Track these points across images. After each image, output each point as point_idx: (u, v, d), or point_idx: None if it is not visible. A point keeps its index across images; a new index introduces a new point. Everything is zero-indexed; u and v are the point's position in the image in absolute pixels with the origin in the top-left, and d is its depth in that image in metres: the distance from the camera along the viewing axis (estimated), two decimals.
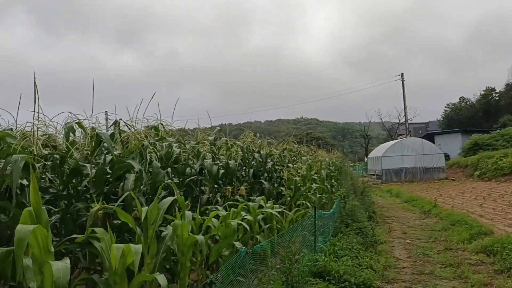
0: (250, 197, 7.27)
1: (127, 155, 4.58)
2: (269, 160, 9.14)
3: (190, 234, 3.83)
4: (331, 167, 14.93)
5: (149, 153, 4.53)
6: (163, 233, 3.68)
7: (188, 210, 4.78)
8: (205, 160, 6.05)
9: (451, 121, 66.85)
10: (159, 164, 4.47)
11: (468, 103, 69.62)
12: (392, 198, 21.47)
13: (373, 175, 37.03)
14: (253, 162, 8.15)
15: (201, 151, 6.58)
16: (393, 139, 46.51)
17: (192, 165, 5.79)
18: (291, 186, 8.61)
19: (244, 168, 8.22)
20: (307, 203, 8.26)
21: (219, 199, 6.31)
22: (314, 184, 10.39)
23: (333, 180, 15.38)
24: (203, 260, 4.34)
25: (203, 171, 6.21)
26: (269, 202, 6.82)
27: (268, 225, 6.57)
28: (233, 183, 7.21)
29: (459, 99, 72.02)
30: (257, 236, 5.32)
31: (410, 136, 42.39)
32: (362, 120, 74.68)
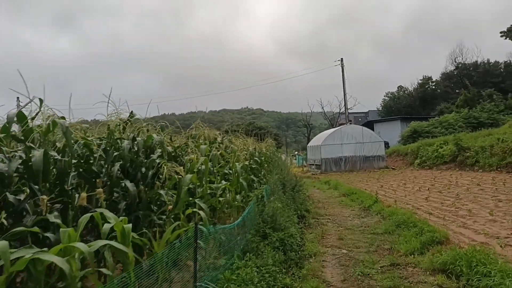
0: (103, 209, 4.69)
1: None
2: (159, 151, 6.46)
3: None
4: (256, 158, 12.42)
5: None
6: None
7: None
8: None
9: (390, 109, 67.43)
10: None
11: (406, 92, 70.51)
12: (330, 191, 19.41)
13: (313, 164, 35.32)
14: (115, 154, 5.42)
15: None
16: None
17: None
18: (186, 188, 5.94)
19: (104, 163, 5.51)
20: (201, 212, 5.65)
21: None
22: (223, 182, 7.84)
23: (262, 173, 12.94)
24: None
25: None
26: (122, 217, 4.21)
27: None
28: (61, 187, 4.48)
29: (397, 88, 73.05)
30: None
31: (350, 124, 41.09)
32: (305, 110, 73.73)
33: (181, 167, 6.48)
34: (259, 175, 12.32)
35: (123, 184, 5.37)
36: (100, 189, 5.11)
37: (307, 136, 68.22)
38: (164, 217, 5.53)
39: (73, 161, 5.13)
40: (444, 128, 36.44)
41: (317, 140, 37.03)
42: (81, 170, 4.94)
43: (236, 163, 8.57)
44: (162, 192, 5.44)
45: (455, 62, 60.67)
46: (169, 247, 4.52)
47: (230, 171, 8.74)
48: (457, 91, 59.80)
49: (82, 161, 5.27)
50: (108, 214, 4.21)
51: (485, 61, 60.88)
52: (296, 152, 54.54)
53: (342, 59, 42.96)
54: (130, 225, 4.00)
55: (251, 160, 11.59)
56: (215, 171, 7.85)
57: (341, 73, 42.75)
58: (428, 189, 15.93)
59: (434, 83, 66.94)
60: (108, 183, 5.26)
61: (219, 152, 8.18)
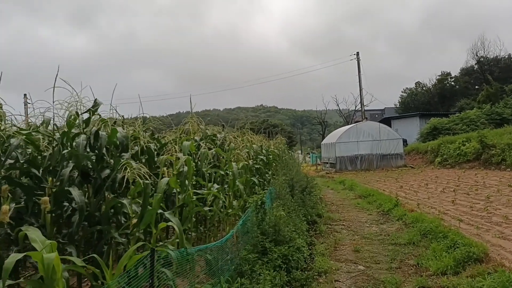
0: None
1: None
2: (135, 148, 5.30)
3: None
4: (263, 157, 11.16)
5: None
6: None
7: None
8: None
9: (407, 106, 65.54)
10: None
11: (424, 88, 68.44)
12: (345, 192, 18.04)
13: (327, 163, 33.91)
14: (63, 152, 4.23)
15: None
16: None
17: None
18: (160, 196, 4.73)
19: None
20: (175, 226, 4.43)
21: None
22: (215, 186, 6.60)
23: (269, 173, 11.69)
24: None
25: None
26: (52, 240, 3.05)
27: None
28: None
29: (415, 84, 70.99)
30: None
31: (367, 120, 39.48)
32: (320, 107, 72.30)
33: (165, 168, 5.34)
34: (265, 176, 11.08)
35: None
36: (46, 198, 3.95)
37: (322, 133, 66.70)
38: (128, 235, 4.32)
39: (10, 161, 3.99)
40: (465, 125, 34.63)
41: (331, 137, 35.57)
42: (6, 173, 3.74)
43: (234, 163, 7.33)
44: (125, 201, 4.22)
45: (477, 56, 58.40)
46: (123, 278, 3.34)
47: (228, 173, 7.52)
48: (476, 87, 57.68)
49: (22, 162, 4.11)
50: (33, 235, 3.05)
51: (506, 56, 58.59)
52: (310, 150, 52.61)
53: (358, 52, 41.24)
54: (54, 254, 2.80)
55: (257, 159, 10.37)
56: (208, 172, 6.64)
57: (356, 68, 41.09)
58: (454, 190, 14.44)
59: (453, 79, 64.70)
60: (53, 190, 4.09)
61: (211, 150, 6.93)
